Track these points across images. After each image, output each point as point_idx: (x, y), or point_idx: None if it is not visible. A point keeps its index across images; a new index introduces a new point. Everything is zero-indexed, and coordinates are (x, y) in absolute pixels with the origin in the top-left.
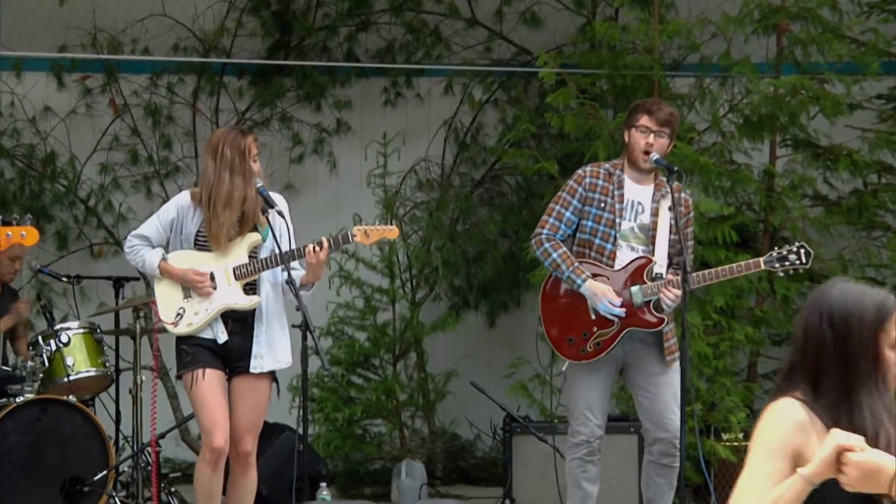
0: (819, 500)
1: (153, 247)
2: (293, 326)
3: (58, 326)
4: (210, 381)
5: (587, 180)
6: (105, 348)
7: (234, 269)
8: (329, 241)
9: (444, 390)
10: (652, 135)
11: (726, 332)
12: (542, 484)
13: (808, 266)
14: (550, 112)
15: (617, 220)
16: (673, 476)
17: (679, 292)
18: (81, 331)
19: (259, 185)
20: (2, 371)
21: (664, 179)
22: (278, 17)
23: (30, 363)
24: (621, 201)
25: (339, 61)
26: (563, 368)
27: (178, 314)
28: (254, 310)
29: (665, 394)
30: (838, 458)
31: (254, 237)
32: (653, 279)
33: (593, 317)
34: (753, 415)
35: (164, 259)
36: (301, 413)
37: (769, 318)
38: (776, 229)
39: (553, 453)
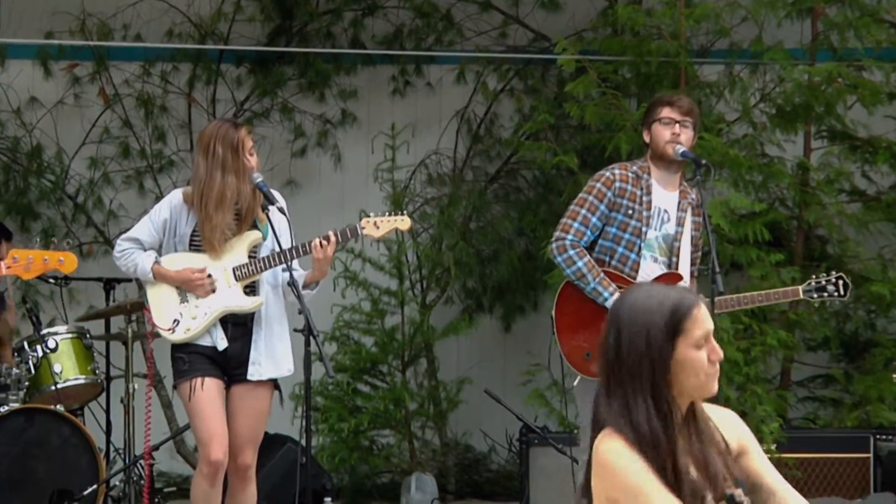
0: None
1: (145, 250)
2: (295, 331)
3: (44, 331)
4: (209, 390)
5: (617, 185)
6: (95, 354)
7: (234, 270)
8: (336, 234)
9: (456, 399)
10: (677, 125)
11: (758, 337)
12: (561, 499)
13: (845, 298)
14: (570, 102)
15: (644, 229)
16: None
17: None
18: (70, 336)
19: (259, 179)
20: None
21: (687, 186)
22: (279, 0)
23: (15, 370)
24: (649, 208)
25: (344, 48)
26: (574, 383)
27: (175, 320)
28: (253, 313)
29: None
30: None
31: (253, 235)
32: None
33: None
34: (787, 425)
35: (157, 262)
36: (304, 423)
37: (804, 321)
38: (811, 227)
39: (572, 466)
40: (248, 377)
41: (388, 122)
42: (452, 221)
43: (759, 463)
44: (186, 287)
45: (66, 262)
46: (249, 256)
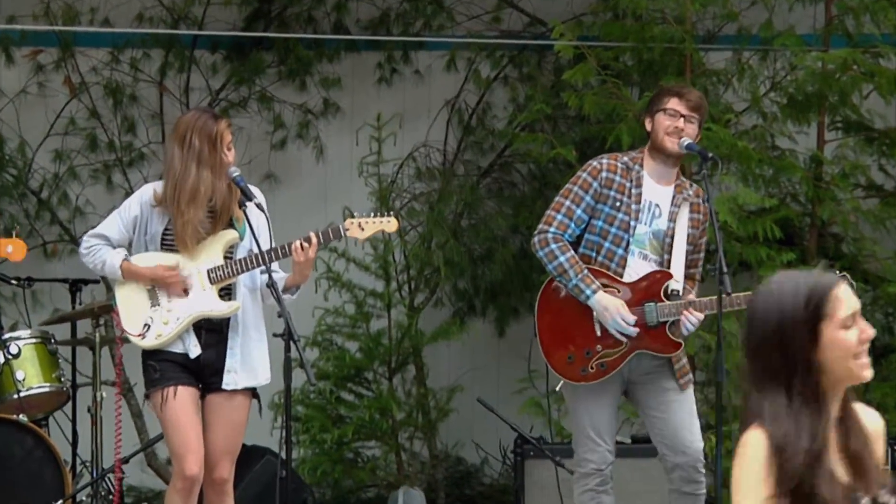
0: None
1: (114, 247)
2: (274, 335)
3: (6, 336)
4: (182, 400)
5: (603, 174)
6: (60, 361)
7: (208, 272)
8: (318, 235)
9: (446, 408)
10: (682, 119)
11: None
12: None
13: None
14: (567, 91)
15: (632, 223)
16: None
17: (702, 316)
18: (33, 341)
19: (235, 173)
20: None
21: (685, 181)
22: None
23: None
24: (638, 202)
25: (327, 33)
26: (558, 388)
27: (146, 325)
28: (229, 319)
29: (678, 412)
30: None
31: (229, 235)
32: (668, 297)
33: (599, 333)
34: None
35: (126, 259)
36: (284, 434)
37: None
38: (825, 224)
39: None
40: (224, 386)
41: (373, 112)
42: (442, 218)
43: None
44: (158, 285)
45: (14, 250)
46: (225, 258)
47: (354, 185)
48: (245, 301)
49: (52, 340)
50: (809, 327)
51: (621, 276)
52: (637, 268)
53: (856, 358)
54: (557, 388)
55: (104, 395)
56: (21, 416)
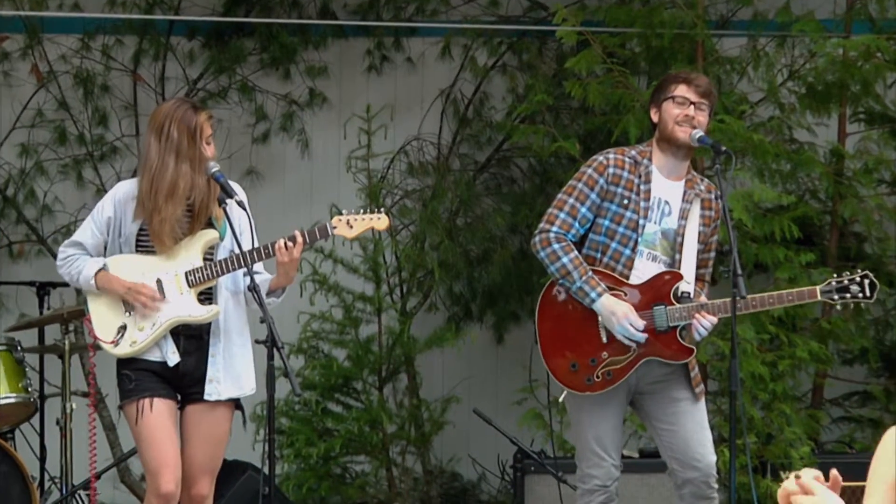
0: None
1: (91, 255)
2: (257, 342)
3: None
4: (158, 413)
5: (610, 171)
6: (27, 369)
7: (186, 275)
8: (304, 234)
9: (441, 420)
10: (692, 106)
11: (786, 349)
12: None
13: (871, 300)
14: (570, 80)
15: (641, 222)
16: None
17: (716, 320)
18: None
19: (215, 169)
20: None
21: (696, 175)
22: None
23: None
24: (647, 199)
25: (312, 18)
26: (560, 398)
27: (119, 331)
28: (210, 324)
29: (689, 423)
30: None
31: (209, 235)
32: (678, 299)
33: (605, 340)
34: (819, 449)
35: (104, 268)
36: (266, 448)
37: (838, 331)
38: (846, 222)
39: (574, 496)
40: (206, 397)
41: (362, 103)
42: (436, 217)
43: None
44: (130, 298)
45: None
46: (204, 259)
47: (342, 182)
48: (227, 305)
49: (19, 348)
50: None
51: (627, 279)
52: (644, 269)
53: None
54: (560, 399)
55: (74, 406)
56: None
